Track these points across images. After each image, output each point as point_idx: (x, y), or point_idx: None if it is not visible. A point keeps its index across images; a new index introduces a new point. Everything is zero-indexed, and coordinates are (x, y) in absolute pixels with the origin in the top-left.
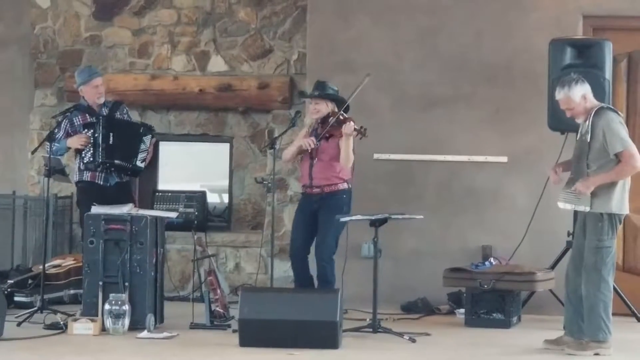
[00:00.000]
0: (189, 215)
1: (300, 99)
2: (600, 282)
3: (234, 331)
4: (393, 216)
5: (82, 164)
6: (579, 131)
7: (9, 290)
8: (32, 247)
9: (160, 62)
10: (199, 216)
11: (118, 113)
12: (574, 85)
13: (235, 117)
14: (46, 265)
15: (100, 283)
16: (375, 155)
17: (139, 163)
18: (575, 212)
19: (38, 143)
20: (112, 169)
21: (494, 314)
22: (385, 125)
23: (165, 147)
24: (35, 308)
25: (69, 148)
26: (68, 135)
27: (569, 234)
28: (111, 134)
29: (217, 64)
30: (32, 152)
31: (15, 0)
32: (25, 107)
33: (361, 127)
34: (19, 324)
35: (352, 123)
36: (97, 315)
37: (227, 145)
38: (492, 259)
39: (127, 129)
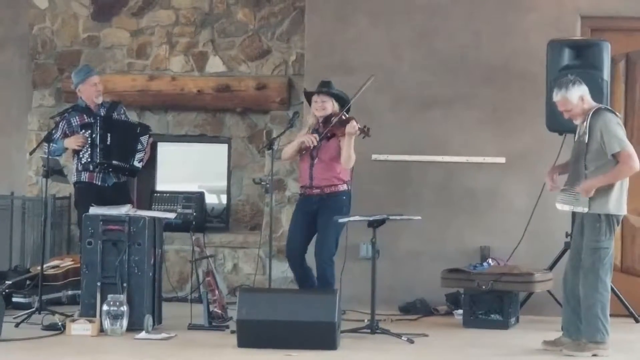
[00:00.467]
0: (187, 216)
1: (298, 100)
2: (597, 283)
3: (232, 332)
4: (391, 217)
5: (79, 164)
6: (577, 132)
7: (7, 291)
8: (30, 248)
9: (158, 62)
10: (197, 217)
11: (115, 113)
12: (572, 86)
13: (234, 117)
14: (44, 266)
15: (98, 284)
16: (374, 156)
17: (136, 163)
18: (574, 213)
19: (36, 144)
20: (110, 169)
21: (492, 315)
22: (383, 126)
23: (163, 148)
24: (34, 309)
25: (67, 149)
26: (65, 136)
27: (567, 235)
28: (109, 135)
29: (215, 64)
30: (30, 153)
31: (13, 0)
32: (24, 108)
33: (365, 127)
34: (17, 325)
35: (355, 122)
36: (95, 316)
37: (225, 146)
38: (490, 260)
39: (124, 129)
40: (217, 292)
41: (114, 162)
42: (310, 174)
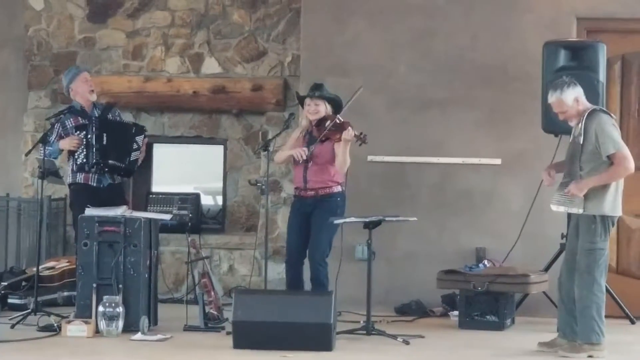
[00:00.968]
0: (183, 217)
1: (294, 101)
2: (593, 285)
3: (228, 333)
4: (387, 218)
5: (75, 165)
6: (572, 133)
7: (2, 292)
8: (25, 249)
9: (154, 64)
10: (193, 218)
11: (110, 115)
12: (566, 88)
13: (229, 119)
14: (40, 267)
15: (94, 285)
16: (369, 157)
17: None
18: (569, 214)
19: (32, 145)
20: (106, 169)
21: (488, 316)
22: (379, 127)
23: (159, 149)
24: (29, 310)
25: (62, 150)
26: (60, 137)
27: (562, 236)
28: (104, 135)
29: (211, 66)
30: (26, 154)
31: (9, 1)
32: (19, 109)
33: (361, 134)
34: (12, 326)
35: (351, 129)
36: (90, 317)
37: (221, 147)
38: (485, 261)
39: (119, 129)
40: (212, 293)
41: (110, 161)
42: (305, 177)
